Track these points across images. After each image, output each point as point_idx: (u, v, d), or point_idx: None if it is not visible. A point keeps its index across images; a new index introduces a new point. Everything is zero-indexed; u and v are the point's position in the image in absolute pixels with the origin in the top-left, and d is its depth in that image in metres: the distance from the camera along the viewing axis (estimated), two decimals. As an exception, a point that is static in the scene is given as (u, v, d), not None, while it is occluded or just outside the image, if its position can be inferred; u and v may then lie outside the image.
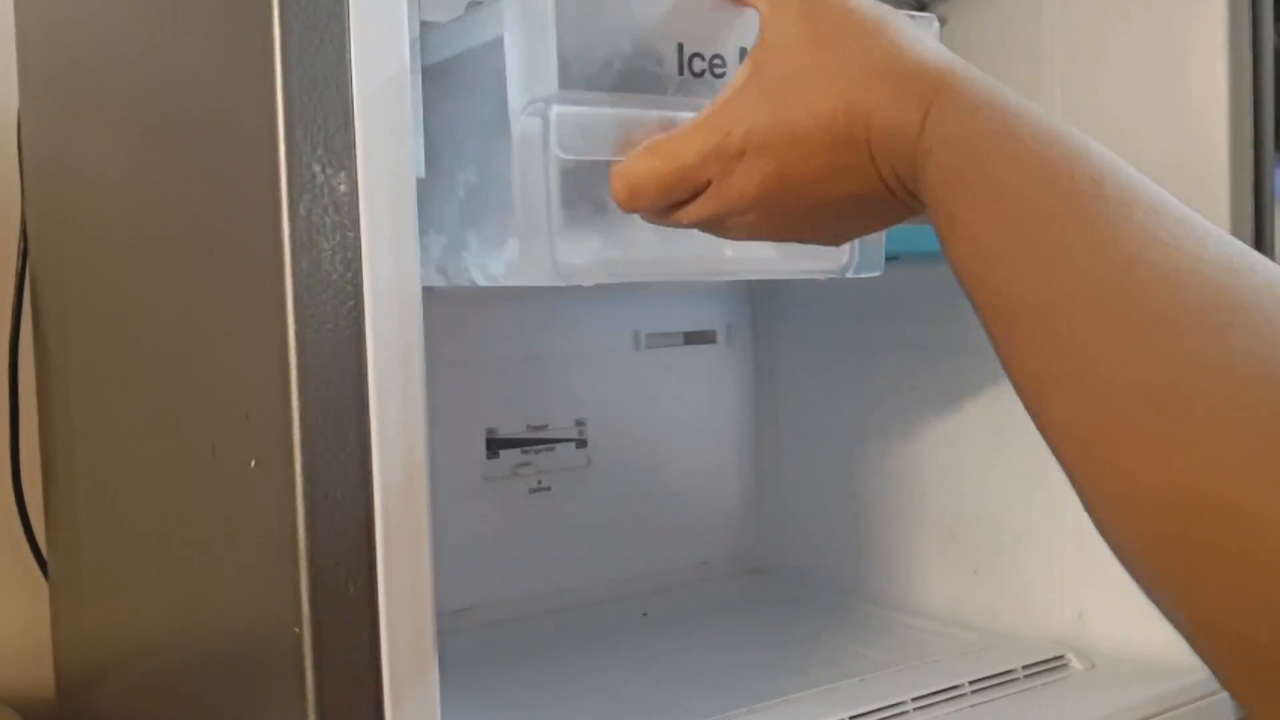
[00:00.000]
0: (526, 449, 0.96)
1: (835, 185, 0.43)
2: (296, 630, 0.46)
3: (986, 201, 0.37)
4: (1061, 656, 0.77)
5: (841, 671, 0.77)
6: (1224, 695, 0.74)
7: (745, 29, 0.50)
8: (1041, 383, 0.35)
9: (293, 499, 0.46)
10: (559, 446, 0.98)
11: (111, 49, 0.64)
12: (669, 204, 0.46)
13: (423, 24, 0.56)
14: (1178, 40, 0.75)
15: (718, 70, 0.51)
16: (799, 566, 1.06)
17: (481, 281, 0.57)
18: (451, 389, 0.91)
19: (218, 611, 0.55)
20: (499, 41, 0.50)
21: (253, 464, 0.49)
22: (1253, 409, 0.29)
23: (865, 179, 0.42)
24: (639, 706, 0.73)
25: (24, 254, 0.81)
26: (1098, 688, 0.74)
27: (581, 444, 0.99)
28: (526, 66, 0.49)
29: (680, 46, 0.50)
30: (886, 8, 0.44)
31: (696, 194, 0.46)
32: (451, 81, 0.57)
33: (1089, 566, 0.82)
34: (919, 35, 0.43)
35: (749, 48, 0.47)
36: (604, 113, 0.48)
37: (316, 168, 0.46)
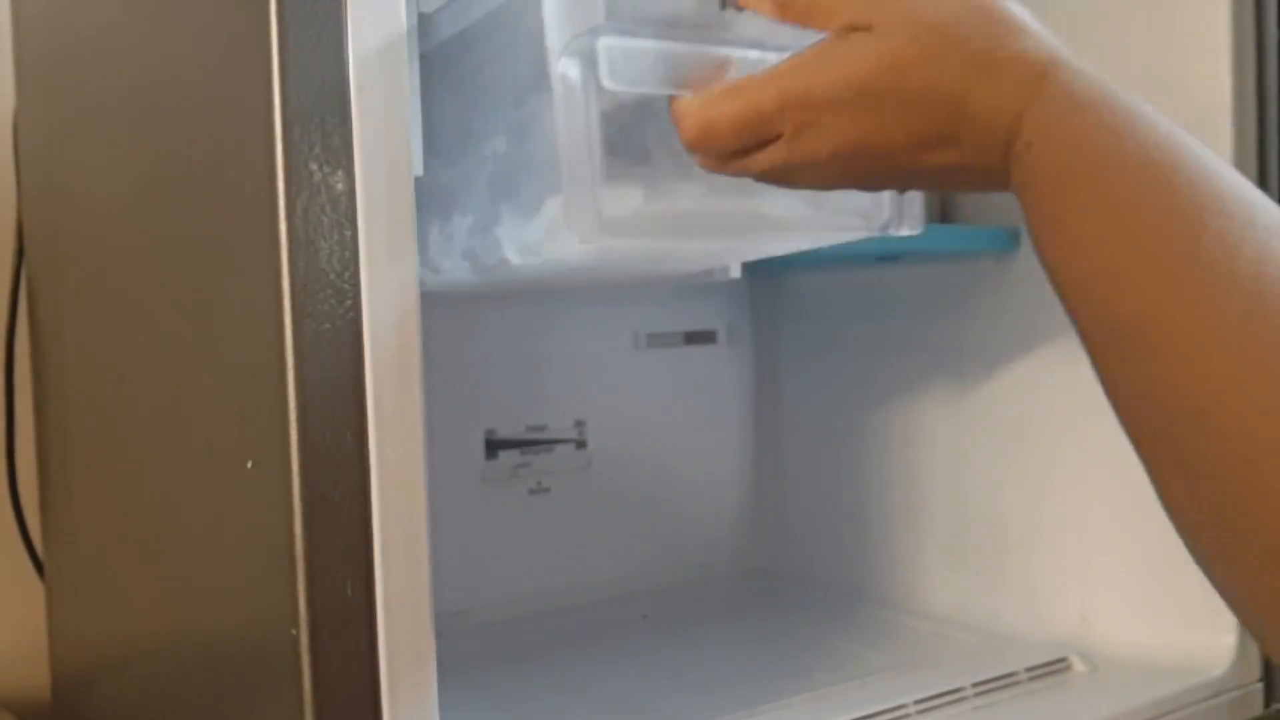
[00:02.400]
0: (525, 450, 0.96)
1: (918, 156, 0.42)
2: (293, 632, 0.46)
3: (1100, 212, 0.36)
4: (1064, 659, 0.77)
5: (843, 673, 0.76)
6: (1227, 698, 0.74)
7: None
8: (1168, 410, 0.33)
9: (290, 500, 0.45)
10: (558, 447, 0.97)
11: (108, 48, 0.64)
12: (737, 150, 0.45)
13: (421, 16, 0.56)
14: (1181, 38, 0.74)
15: None
16: (800, 568, 1.05)
17: (515, 258, 0.55)
18: (450, 389, 0.91)
19: (214, 613, 0.55)
20: None
21: (249, 465, 0.49)
22: None
23: (952, 155, 0.42)
24: (639, 709, 0.73)
25: (20, 254, 0.80)
26: (1101, 690, 0.74)
27: (581, 445, 0.98)
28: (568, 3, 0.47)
29: None
30: None
31: (766, 143, 0.44)
32: (471, 53, 0.55)
33: (1092, 568, 0.82)
34: (1023, 21, 0.42)
35: None
36: (654, 45, 0.45)
37: (314, 166, 0.45)
